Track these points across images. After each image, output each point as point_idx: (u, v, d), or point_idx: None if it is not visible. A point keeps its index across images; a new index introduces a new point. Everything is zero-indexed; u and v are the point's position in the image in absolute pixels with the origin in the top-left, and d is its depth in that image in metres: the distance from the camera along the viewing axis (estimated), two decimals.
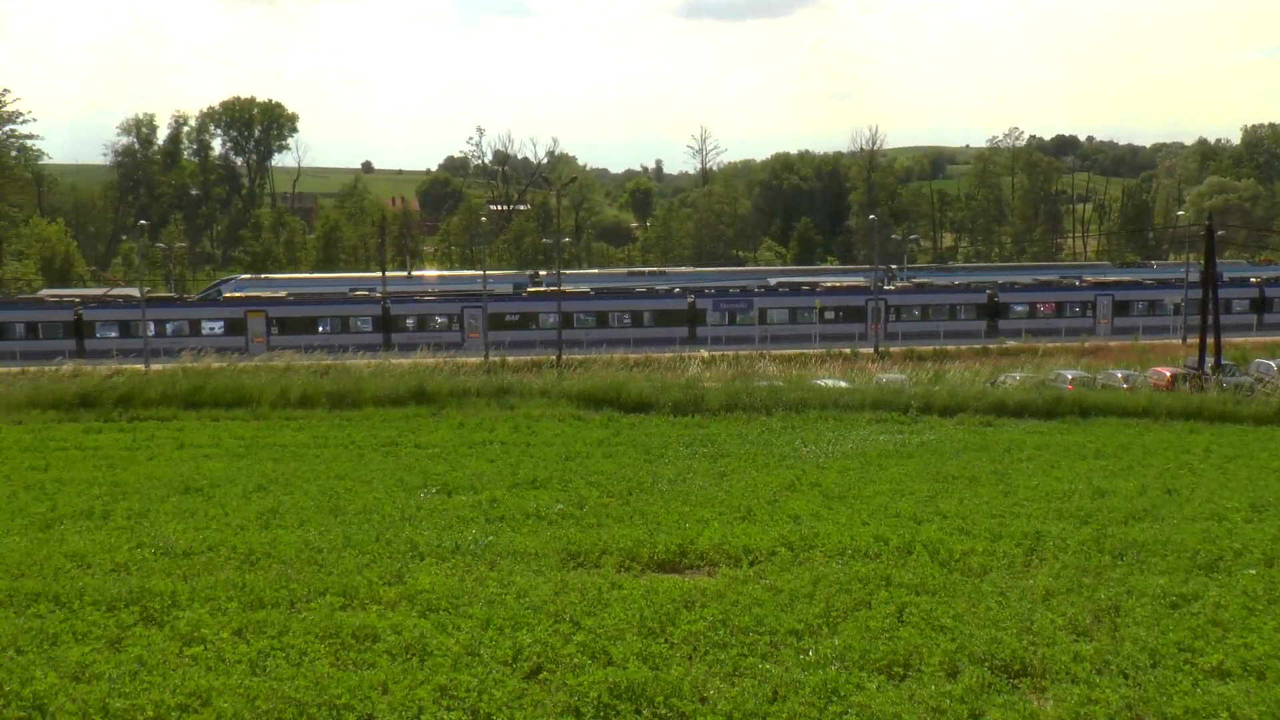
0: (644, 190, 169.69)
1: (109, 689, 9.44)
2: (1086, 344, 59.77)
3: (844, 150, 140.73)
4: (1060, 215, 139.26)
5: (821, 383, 34.92)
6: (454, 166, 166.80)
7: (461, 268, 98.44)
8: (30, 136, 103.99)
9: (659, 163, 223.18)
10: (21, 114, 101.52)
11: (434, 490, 19.22)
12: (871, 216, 71.48)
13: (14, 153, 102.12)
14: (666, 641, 10.76)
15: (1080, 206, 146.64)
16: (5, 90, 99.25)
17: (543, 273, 75.80)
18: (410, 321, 54.91)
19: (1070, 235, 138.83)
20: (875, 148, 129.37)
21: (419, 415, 31.36)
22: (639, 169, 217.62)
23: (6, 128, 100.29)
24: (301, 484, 20.01)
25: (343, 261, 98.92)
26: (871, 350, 55.58)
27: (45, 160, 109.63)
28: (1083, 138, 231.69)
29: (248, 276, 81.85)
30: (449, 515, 16.92)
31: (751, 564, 13.78)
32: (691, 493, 18.92)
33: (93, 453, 25.43)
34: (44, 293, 61.93)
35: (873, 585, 12.58)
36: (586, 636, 10.76)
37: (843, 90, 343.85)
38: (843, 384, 35.02)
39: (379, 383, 34.30)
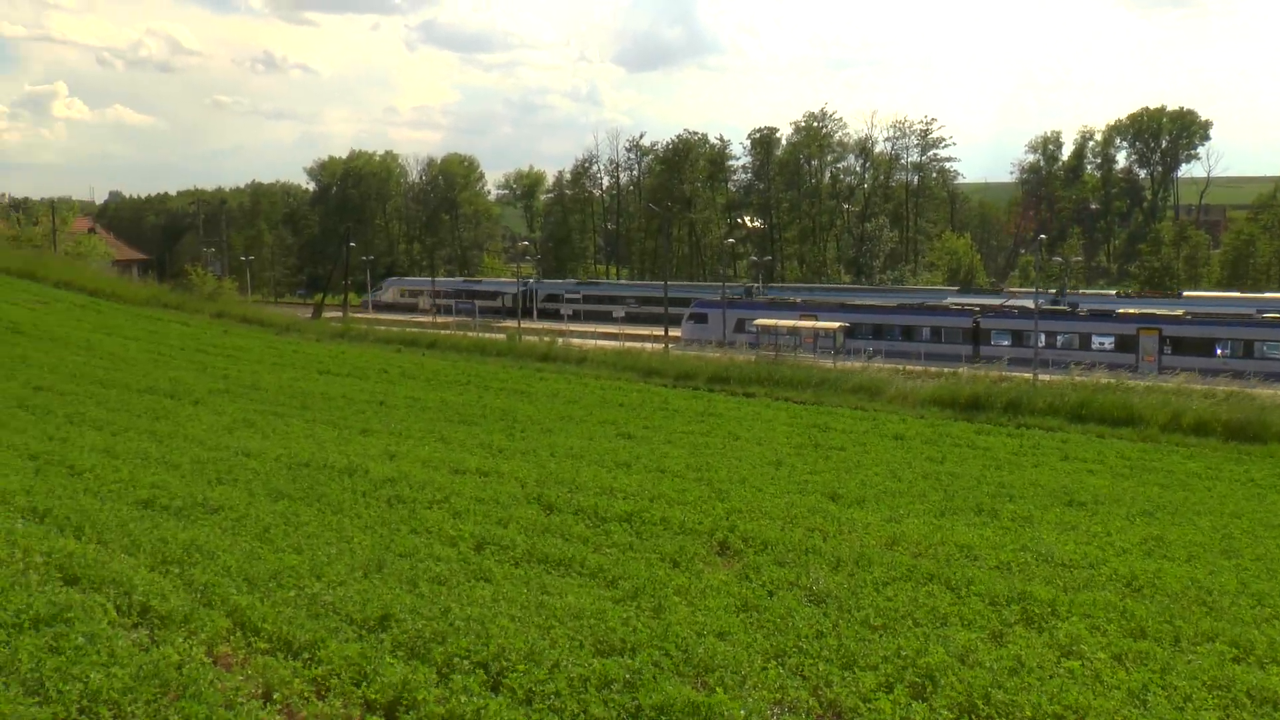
0: None
1: (990, 679, 9.92)
2: None
3: None
4: None
5: None
6: None
7: None
8: (949, 159, 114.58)
9: None
10: (944, 139, 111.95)
11: None
12: None
13: (934, 174, 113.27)
14: None
15: None
16: (933, 120, 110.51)
17: None
18: None
19: None
20: None
21: None
22: None
23: (930, 153, 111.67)
24: (1191, 516, 18.92)
25: (1251, 279, 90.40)
26: None
27: (959, 180, 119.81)
28: None
29: (394, 279, 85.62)
30: None
31: None
32: None
33: (982, 452, 27.05)
34: (949, 300, 67.11)
35: None
36: None
37: None
38: None
39: None
